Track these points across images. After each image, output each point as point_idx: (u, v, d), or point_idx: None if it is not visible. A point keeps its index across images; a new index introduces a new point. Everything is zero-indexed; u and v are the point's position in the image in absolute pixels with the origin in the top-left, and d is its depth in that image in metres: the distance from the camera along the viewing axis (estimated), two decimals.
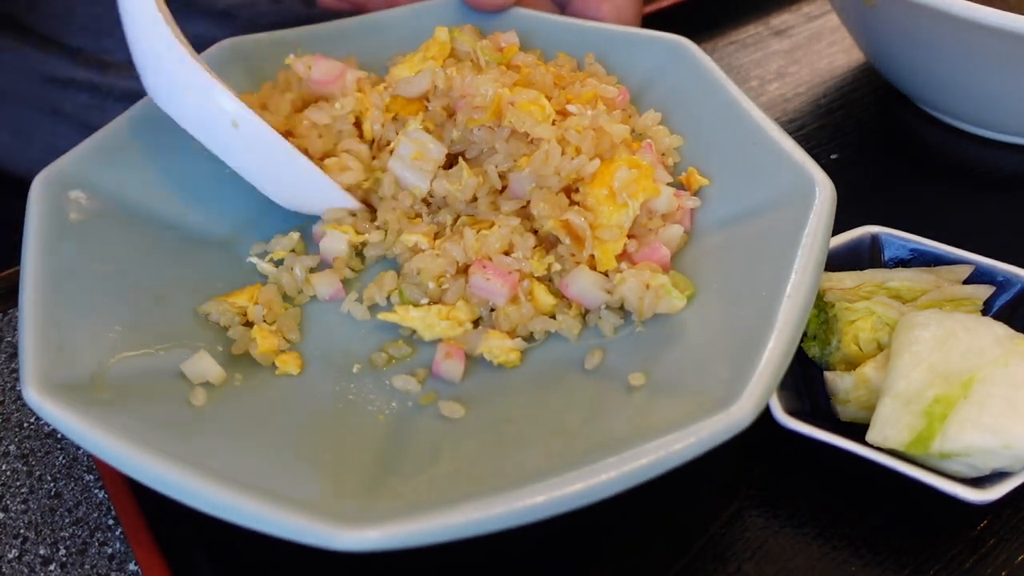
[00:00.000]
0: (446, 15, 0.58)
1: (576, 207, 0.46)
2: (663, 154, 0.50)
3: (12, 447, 0.46)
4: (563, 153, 0.46)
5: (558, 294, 0.45)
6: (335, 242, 0.48)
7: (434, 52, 0.53)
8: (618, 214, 0.45)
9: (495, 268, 0.44)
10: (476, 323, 0.45)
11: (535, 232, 0.47)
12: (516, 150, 0.47)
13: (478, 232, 0.46)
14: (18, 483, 0.45)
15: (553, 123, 0.48)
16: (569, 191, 0.47)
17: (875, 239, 0.49)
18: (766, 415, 0.40)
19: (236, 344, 0.44)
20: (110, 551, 0.42)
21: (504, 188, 0.48)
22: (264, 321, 0.45)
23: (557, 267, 0.45)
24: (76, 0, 0.71)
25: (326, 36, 0.57)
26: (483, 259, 0.45)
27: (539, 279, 0.46)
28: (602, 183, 0.46)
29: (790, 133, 0.62)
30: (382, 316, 0.45)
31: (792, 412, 0.41)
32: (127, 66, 0.52)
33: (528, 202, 0.47)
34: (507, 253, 0.45)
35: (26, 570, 0.41)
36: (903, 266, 0.48)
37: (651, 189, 0.46)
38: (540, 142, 0.47)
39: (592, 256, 0.45)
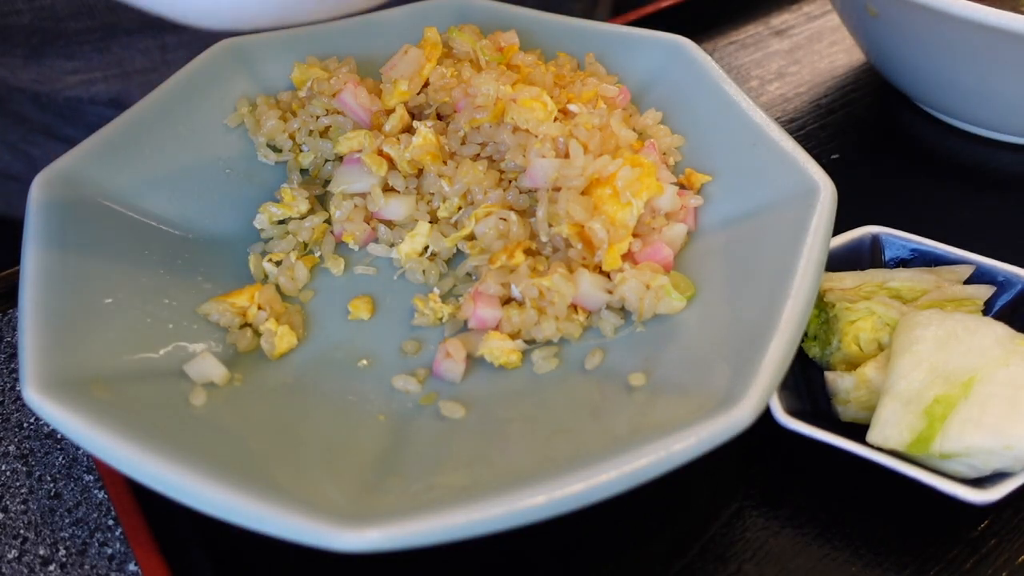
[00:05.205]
0: (445, 15, 0.58)
1: (595, 213, 0.46)
2: (664, 153, 0.50)
3: (12, 447, 0.46)
4: (567, 155, 0.46)
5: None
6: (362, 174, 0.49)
7: (426, 52, 0.53)
8: (622, 213, 0.45)
9: (485, 298, 0.44)
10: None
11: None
12: (522, 143, 0.48)
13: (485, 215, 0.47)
14: (18, 483, 0.45)
15: (556, 121, 0.48)
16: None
17: (876, 239, 0.49)
18: (766, 415, 0.40)
19: (241, 343, 0.44)
20: (110, 551, 0.42)
21: (511, 182, 0.48)
22: (268, 321, 0.45)
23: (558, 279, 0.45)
24: (82, 100, 0.71)
25: (325, 36, 0.57)
26: (476, 292, 0.45)
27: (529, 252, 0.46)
28: (606, 182, 0.46)
29: (791, 133, 0.62)
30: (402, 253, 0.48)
31: (793, 412, 0.41)
32: None
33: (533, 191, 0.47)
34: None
35: (26, 570, 0.41)
36: (904, 266, 0.48)
37: (655, 187, 0.46)
38: (544, 138, 0.47)
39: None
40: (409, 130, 0.51)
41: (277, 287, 0.47)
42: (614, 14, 0.93)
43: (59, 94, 0.69)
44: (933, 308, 0.44)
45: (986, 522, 0.42)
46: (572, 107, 0.50)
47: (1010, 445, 0.38)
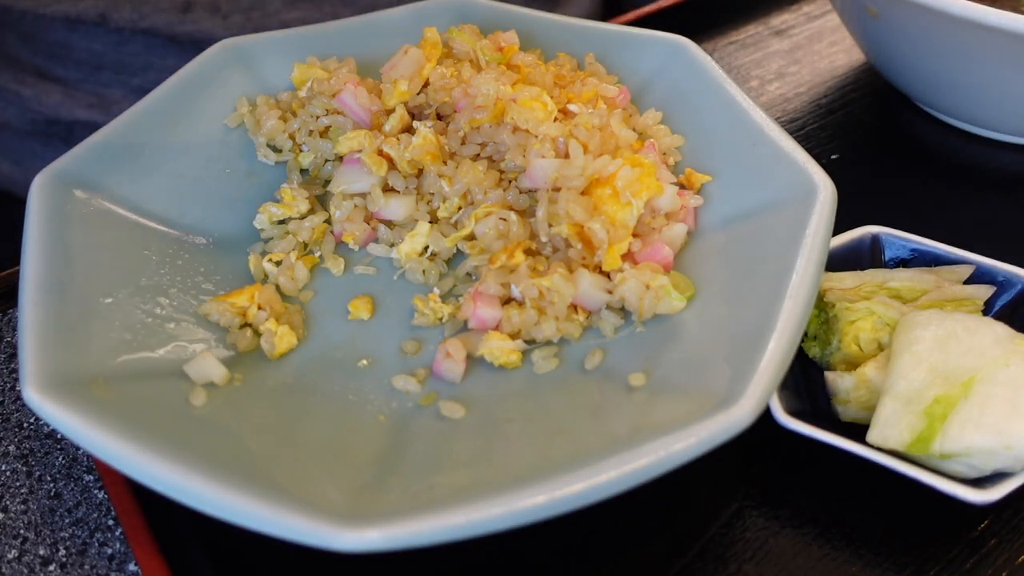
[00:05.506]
0: (445, 15, 0.58)
1: (595, 213, 0.46)
2: (664, 153, 0.50)
3: (12, 447, 0.46)
4: (567, 155, 0.46)
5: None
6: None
7: (426, 52, 0.53)
8: (622, 213, 0.45)
9: (485, 298, 0.44)
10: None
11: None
12: (522, 143, 0.48)
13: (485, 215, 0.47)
14: (18, 483, 0.45)
15: (556, 121, 0.48)
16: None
17: (875, 239, 0.49)
18: (766, 415, 0.40)
19: (241, 343, 0.44)
20: (110, 551, 0.42)
21: (511, 182, 0.48)
22: (268, 321, 0.45)
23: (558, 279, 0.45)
24: (71, 35, 0.71)
25: (325, 36, 0.57)
26: (476, 292, 0.45)
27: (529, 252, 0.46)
28: (606, 182, 0.46)
29: (791, 133, 0.62)
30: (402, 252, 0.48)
31: (792, 412, 0.41)
32: (128, 102, 0.53)
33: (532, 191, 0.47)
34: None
35: (26, 570, 0.41)
36: (904, 266, 0.48)
37: (654, 187, 0.46)
38: (544, 138, 0.47)
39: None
40: (409, 130, 0.51)
41: (277, 287, 0.47)
42: (609, 14, 0.93)
43: (47, 8, 0.69)
44: (933, 308, 0.44)
45: (986, 522, 0.41)
46: (572, 107, 0.50)
47: (1010, 445, 0.38)
